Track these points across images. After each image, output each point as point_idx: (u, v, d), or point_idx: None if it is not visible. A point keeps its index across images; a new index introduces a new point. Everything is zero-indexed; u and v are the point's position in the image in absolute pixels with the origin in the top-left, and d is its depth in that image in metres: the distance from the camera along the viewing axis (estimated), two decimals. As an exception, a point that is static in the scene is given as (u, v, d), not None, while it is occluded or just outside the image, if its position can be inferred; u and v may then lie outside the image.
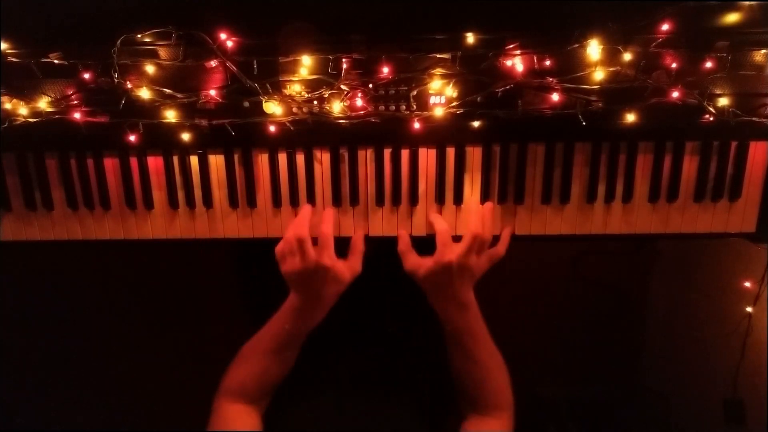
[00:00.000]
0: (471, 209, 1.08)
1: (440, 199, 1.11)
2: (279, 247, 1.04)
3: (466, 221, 1.10)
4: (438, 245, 1.04)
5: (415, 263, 1.06)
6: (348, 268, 1.05)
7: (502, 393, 1.05)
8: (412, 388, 1.27)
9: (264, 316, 1.07)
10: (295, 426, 1.20)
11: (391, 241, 1.12)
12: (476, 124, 1.06)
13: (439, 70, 1.03)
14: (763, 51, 1.00)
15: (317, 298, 1.02)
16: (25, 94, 1.04)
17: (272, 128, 1.05)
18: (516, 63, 1.01)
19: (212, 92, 1.04)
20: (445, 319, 1.05)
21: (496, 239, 1.11)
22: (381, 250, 1.12)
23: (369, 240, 1.13)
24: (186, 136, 1.06)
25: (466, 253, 1.01)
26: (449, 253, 1.01)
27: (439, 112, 1.04)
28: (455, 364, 1.07)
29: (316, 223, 1.05)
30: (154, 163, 1.10)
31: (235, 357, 1.05)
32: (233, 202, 1.11)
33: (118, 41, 0.99)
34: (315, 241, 1.02)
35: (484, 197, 1.11)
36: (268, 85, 1.03)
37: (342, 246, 1.11)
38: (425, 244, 1.09)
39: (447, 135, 1.07)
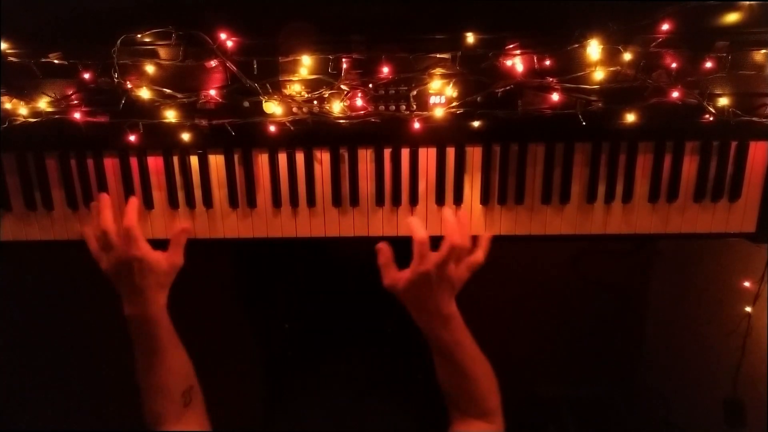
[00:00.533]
0: (446, 218, 1.06)
1: (440, 199, 1.11)
2: (93, 245, 1.06)
3: (444, 229, 1.07)
4: (414, 255, 1.00)
5: (394, 278, 1.03)
6: (165, 259, 1.05)
7: (490, 398, 1.04)
8: (411, 389, 1.27)
9: (263, 315, 1.07)
10: (296, 426, 1.20)
11: (392, 242, 1.12)
12: (476, 124, 1.06)
13: (439, 70, 1.03)
14: (763, 51, 1.00)
15: (139, 292, 1.01)
16: (25, 94, 1.04)
17: (272, 128, 1.05)
18: (516, 63, 1.01)
19: (212, 92, 1.04)
20: (429, 335, 1.03)
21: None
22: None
23: (368, 240, 1.13)
24: (186, 136, 1.06)
25: (443, 263, 0.98)
26: (426, 263, 0.98)
27: (439, 112, 1.04)
28: (442, 375, 1.05)
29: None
30: (154, 163, 1.10)
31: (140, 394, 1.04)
32: (233, 202, 1.11)
33: (118, 41, 0.99)
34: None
35: (484, 197, 1.11)
36: (268, 85, 1.03)
37: (348, 246, 1.11)
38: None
39: (447, 135, 1.07)
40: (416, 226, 1.03)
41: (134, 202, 1.07)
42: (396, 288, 1.03)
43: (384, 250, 1.06)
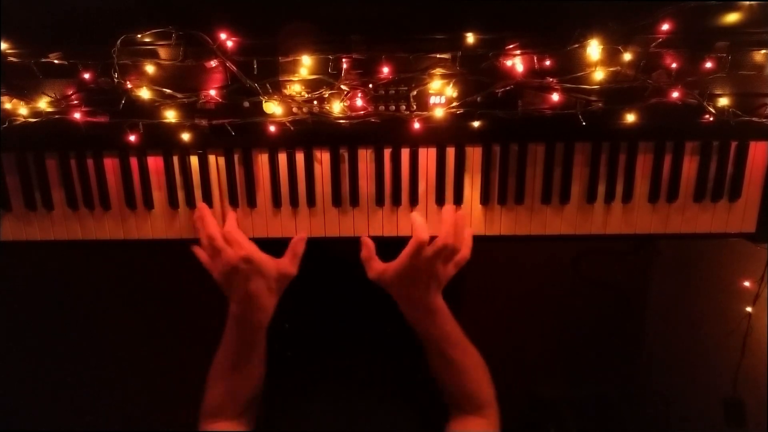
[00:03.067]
0: (445, 218, 1.04)
1: (440, 199, 1.11)
2: (203, 256, 1.05)
3: (442, 228, 1.05)
4: (408, 249, 1.00)
5: (379, 269, 1.05)
6: (275, 264, 1.04)
7: (483, 391, 1.05)
8: (411, 389, 1.27)
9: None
10: (295, 426, 1.20)
11: (391, 242, 1.12)
12: (476, 124, 1.06)
13: (439, 70, 1.03)
14: (763, 51, 1.00)
15: (249, 297, 1.00)
16: (25, 94, 1.04)
17: (272, 128, 1.05)
18: (516, 63, 1.01)
19: (212, 92, 1.04)
20: (416, 326, 1.04)
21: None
22: (380, 250, 1.11)
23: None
24: (186, 136, 1.06)
25: (432, 260, 0.98)
26: (415, 259, 0.98)
27: (439, 112, 1.04)
28: (433, 367, 1.06)
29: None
30: (154, 163, 1.10)
31: (206, 381, 1.04)
32: (233, 202, 1.11)
33: (118, 41, 0.99)
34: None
35: (484, 197, 1.11)
36: (268, 85, 1.03)
37: (348, 246, 1.11)
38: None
39: (447, 135, 1.07)
40: (420, 225, 1.01)
41: (233, 214, 1.09)
42: (382, 280, 1.04)
43: (368, 244, 1.08)
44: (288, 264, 1.06)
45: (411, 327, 1.05)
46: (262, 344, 1.06)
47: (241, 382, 1.03)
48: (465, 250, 1.06)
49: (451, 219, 1.03)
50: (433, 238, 1.01)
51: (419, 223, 1.02)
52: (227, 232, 1.03)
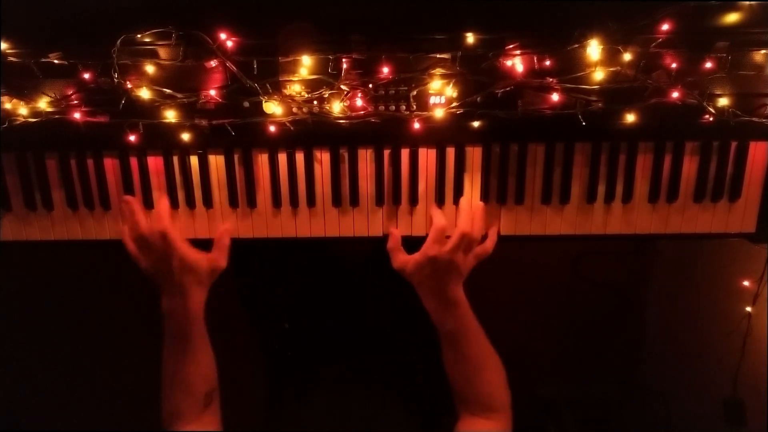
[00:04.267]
0: (462, 207, 1.09)
1: (440, 199, 1.11)
2: (131, 247, 1.06)
3: (458, 218, 1.10)
4: (429, 239, 1.05)
5: (403, 260, 1.07)
6: (206, 260, 1.06)
7: (497, 394, 1.04)
8: (412, 389, 1.27)
9: (262, 315, 1.08)
10: (295, 426, 1.21)
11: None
12: (476, 124, 1.06)
13: (439, 70, 1.03)
14: (763, 51, 1.00)
15: (178, 288, 1.02)
16: (25, 94, 1.04)
17: (272, 128, 1.05)
18: (516, 63, 1.01)
19: (212, 92, 1.04)
20: (436, 319, 1.05)
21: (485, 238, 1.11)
22: (380, 250, 1.12)
23: (368, 240, 1.13)
24: (186, 136, 1.06)
25: (452, 250, 1.02)
26: (437, 248, 1.02)
27: (439, 112, 1.04)
28: (448, 363, 1.07)
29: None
30: (154, 163, 1.10)
31: (161, 391, 1.05)
32: (233, 202, 1.11)
33: (118, 41, 0.99)
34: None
35: (484, 197, 1.11)
36: (268, 85, 1.03)
37: (348, 246, 1.11)
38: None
39: (447, 135, 1.07)
40: (437, 214, 1.08)
41: (165, 204, 1.09)
42: (405, 270, 1.07)
43: (394, 234, 1.10)
44: (217, 258, 1.08)
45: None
46: (203, 334, 1.06)
47: (191, 375, 1.03)
48: (489, 244, 1.09)
49: (468, 209, 1.07)
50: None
51: (437, 213, 1.07)
52: (160, 232, 1.03)
